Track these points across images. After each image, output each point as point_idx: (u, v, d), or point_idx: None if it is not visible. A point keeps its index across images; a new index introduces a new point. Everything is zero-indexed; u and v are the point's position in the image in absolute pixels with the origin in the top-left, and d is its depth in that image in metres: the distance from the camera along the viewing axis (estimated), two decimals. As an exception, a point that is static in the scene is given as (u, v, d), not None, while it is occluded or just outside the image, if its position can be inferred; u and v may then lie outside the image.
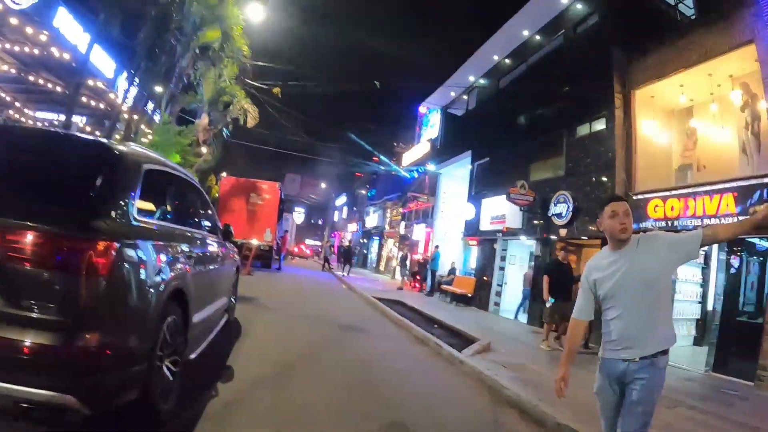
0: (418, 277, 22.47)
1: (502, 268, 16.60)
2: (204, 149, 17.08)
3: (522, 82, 17.08)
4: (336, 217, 56.83)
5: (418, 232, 23.11)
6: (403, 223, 25.72)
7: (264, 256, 19.64)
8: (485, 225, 16.90)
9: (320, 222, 70.06)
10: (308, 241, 60.98)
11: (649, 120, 12.24)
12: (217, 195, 19.16)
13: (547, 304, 9.66)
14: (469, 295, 17.21)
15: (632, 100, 12.15)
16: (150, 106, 15.46)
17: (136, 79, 12.59)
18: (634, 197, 11.19)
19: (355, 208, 44.57)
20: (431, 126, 26.55)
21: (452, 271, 19.91)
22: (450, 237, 21.89)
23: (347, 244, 25.58)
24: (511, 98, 17.47)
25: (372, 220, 34.75)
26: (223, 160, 21.32)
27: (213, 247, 5.21)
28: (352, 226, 43.53)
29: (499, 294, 16.51)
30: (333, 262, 28.94)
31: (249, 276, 15.85)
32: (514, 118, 16.64)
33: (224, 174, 19.71)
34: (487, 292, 16.89)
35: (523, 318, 14.66)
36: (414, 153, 26.18)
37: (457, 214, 21.99)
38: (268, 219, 18.92)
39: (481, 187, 18.24)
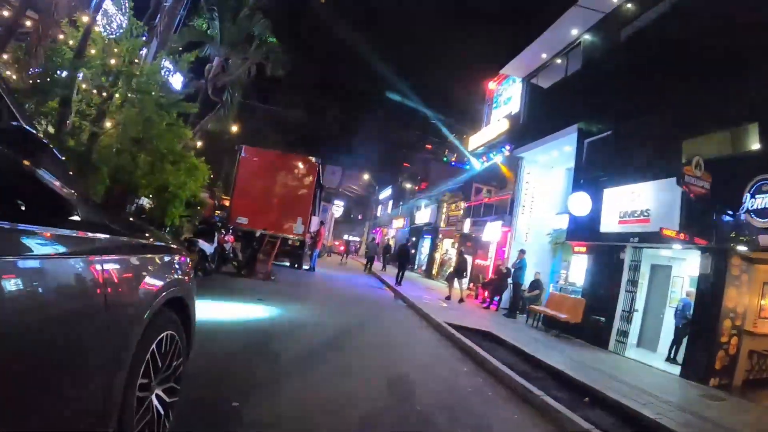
0: (486, 290, 17.43)
1: (632, 288, 11.47)
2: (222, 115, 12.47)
3: (662, 28, 11.85)
4: (378, 212, 52.04)
5: (491, 231, 18.00)
6: (468, 220, 20.60)
7: (292, 253, 15.00)
8: (609, 225, 11.74)
9: (359, 217, 65.48)
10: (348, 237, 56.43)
11: None
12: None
13: None
14: (572, 322, 12.10)
15: None
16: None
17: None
18: None
19: (401, 202, 39.66)
20: (504, 102, 21.46)
21: (536, 285, 14.85)
22: (533, 239, 16.77)
23: (405, 243, 20.40)
24: (645, 50, 12.29)
25: (423, 215, 29.69)
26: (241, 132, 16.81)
27: None
28: (398, 222, 38.53)
29: (626, 322, 11.40)
30: (376, 262, 24.62)
31: (269, 283, 11.21)
32: (652, 75, 11.52)
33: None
34: (603, 320, 11.77)
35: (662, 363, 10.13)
36: (485, 134, 21.07)
37: (545, 210, 16.92)
38: (300, 205, 14.28)
39: (597, 171, 13.02)
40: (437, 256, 25.71)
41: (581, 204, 12.58)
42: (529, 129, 17.68)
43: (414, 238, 30.33)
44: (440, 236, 25.92)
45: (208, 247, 8.56)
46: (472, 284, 18.73)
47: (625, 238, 11.38)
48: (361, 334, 7.61)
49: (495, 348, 8.51)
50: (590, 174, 13.30)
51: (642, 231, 10.81)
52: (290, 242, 14.11)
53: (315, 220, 16.59)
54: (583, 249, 13.23)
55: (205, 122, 11.39)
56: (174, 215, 7.31)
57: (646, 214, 10.74)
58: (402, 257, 18.48)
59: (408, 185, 39.55)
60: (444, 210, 25.90)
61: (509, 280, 15.33)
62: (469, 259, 21.61)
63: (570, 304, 12.75)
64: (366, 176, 49.98)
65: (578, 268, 14.21)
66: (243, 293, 9.01)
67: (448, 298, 15.74)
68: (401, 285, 17.37)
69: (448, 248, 25.00)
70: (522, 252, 14.85)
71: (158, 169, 7.20)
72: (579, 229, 13.05)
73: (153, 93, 7.45)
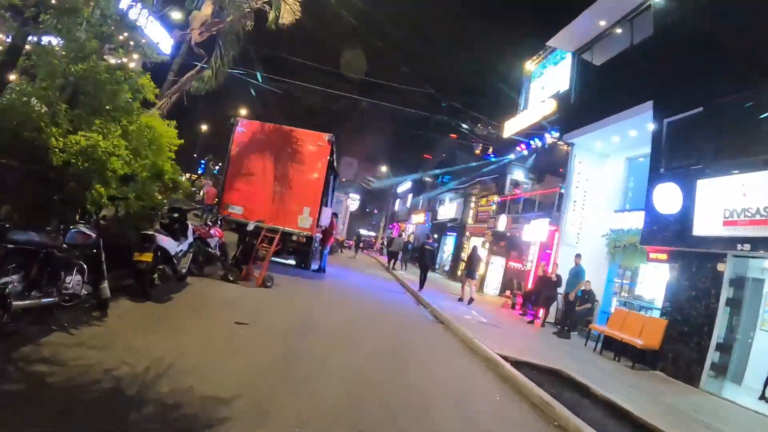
0: (527, 301, 14.77)
1: (732, 309, 8.84)
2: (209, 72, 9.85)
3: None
4: (396, 206, 49.25)
5: (535, 230, 15.25)
6: (504, 217, 17.82)
7: (300, 250, 12.42)
8: (707, 226, 9.03)
9: (375, 211, 62.73)
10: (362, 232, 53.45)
11: None
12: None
13: None
14: (648, 348, 9.44)
15: None
16: None
17: None
18: None
19: (421, 196, 36.91)
20: (546, 82, 18.69)
21: (587, 297, 12.13)
22: (585, 241, 14.07)
23: (427, 240, 17.46)
24: (747, 5, 9.52)
25: (447, 210, 26.91)
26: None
27: None
28: (418, 217, 35.77)
29: (724, 353, 8.79)
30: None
31: (262, 291, 8.66)
32: (759, 35, 8.81)
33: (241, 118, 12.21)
34: (692, 347, 9.11)
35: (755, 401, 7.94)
36: (524, 118, 18.29)
37: (601, 207, 14.19)
38: (308, 193, 11.71)
39: (685, 158, 10.25)
40: (464, 255, 22.99)
41: (669, 198, 9.87)
42: (582, 110, 14.90)
43: (436, 235, 27.71)
44: (467, 234, 23.20)
45: (171, 245, 6.05)
46: (508, 291, 16.06)
47: (730, 244, 8.66)
48: (386, 384, 5.05)
49: (580, 401, 5.89)
50: (675, 161, 10.53)
51: (758, 236, 8.10)
52: (295, 237, 11.56)
53: (326, 212, 14.07)
54: (664, 256, 10.49)
55: (186, 80, 8.89)
56: (99, 195, 4.76)
57: (764, 213, 8.01)
58: (425, 257, 15.82)
59: (429, 178, 36.87)
60: (472, 205, 23.20)
61: (559, 290, 12.69)
62: (500, 261, 18.97)
63: (644, 325, 10.08)
64: (384, 168, 47.29)
65: (652, 280, 11.54)
66: (218, 311, 6.43)
67: (461, 300, 14.18)
68: (423, 289, 14.77)
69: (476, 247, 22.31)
70: (578, 257, 12.15)
71: (86, 127, 4.73)
72: (661, 230, 10.30)
73: (85, 15, 4.92)
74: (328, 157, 11.79)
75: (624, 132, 13.20)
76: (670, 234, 9.97)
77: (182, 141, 7.00)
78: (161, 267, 5.87)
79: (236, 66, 10.85)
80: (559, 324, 13.01)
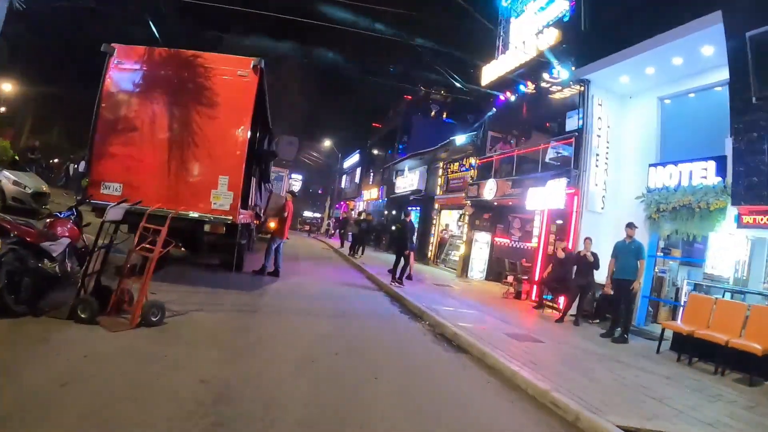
0: (526, 286, 11.41)
1: None
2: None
3: None
4: (343, 183, 44.80)
5: (544, 195, 11.62)
6: (492, 182, 13.99)
7: (222, 245, 8.11)
8: None
9: (319, 191, 57.97)
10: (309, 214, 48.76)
11: None
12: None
13: None
14: (761, 353, 6.15)
15: None
16: None
17: None
18: None
19: (371, 170, 32.83)
20: (524, 26, 15.05)
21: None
22: (613, 206, 10.80)
23: (403, 218, 13.22)
24: None
25: (407, 181, 22.99)
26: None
27: None
28: (370, 193, 31.65)
29: None
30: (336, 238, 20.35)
31: (141, 333, 4.39)
32: None
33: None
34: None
35: None
36: (510, 59, 14.52)
37: (630, 162, 10.89)
38: (225, 151, 7.18)
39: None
40: (434, 232, 19.31)
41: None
42: (601, 37, 11.41)
43: (395, 212, 23.98)
44: (437, 207, 19.45)
45: None
46: (511, 277, 12.53)
47: None
48: None
49: None
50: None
51: None
52: (208, 228, 7.16)
53: (264, 191, 9.82)
54: (765, 218, 7.19)
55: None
56: None
57: None
58: (401, 239, 12.00)
59: (379, 151, 32.93)
60: (440, 172, 19.42)
61: (596, 274, 9.30)
62: (485, 237, 15.45)
63: (746, 319, 6.80)
64: (327, 143, 42.67)
65: (726, 253, 8.27)
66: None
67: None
68: (399, 284, 11.08)
69: (449, 222, 18.71)
70: (631, 227, 8.62)
71: None
72: (762, 185, 6.97)
73: None
74: (257, 90, 7.41)
75: (665, 60, 9.77)
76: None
77: None
78: None
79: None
80: (588, 317, 9.70)
